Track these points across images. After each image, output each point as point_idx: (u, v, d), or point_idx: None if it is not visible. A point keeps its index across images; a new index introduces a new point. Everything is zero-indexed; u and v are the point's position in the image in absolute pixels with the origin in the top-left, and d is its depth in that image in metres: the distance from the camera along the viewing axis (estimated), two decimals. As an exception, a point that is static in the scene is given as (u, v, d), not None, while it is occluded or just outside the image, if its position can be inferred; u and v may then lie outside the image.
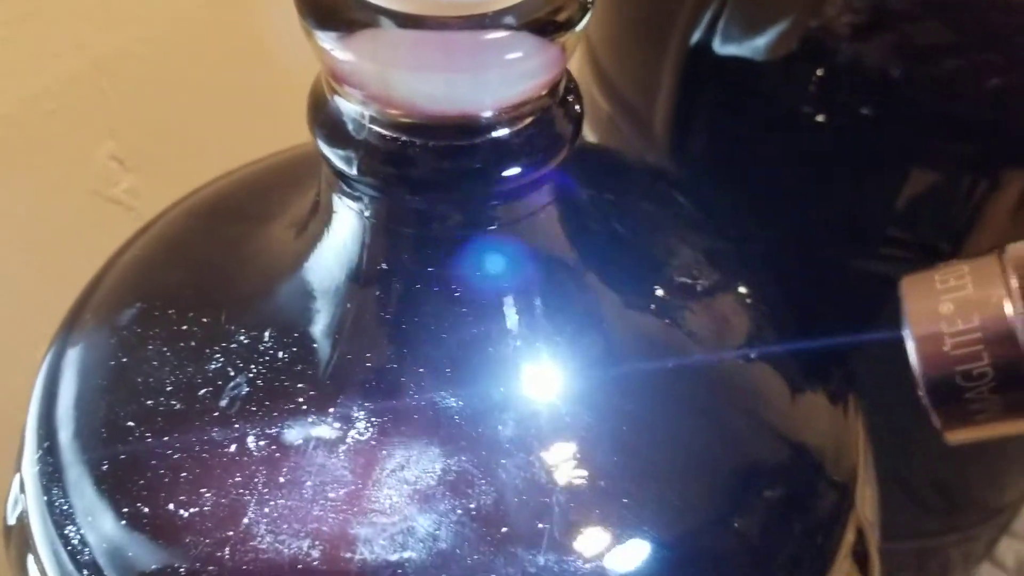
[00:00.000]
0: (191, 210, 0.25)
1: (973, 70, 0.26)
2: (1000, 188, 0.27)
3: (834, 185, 0.29)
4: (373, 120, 0.18)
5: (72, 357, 0.22)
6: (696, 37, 0.29)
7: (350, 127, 0.18)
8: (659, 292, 0.23)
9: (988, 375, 0.18)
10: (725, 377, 0.23)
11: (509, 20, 0.16)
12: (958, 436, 0.20)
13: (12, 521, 0.22)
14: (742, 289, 0.25)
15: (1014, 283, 0.18)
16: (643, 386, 0.21)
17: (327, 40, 0.17)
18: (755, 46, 0.29)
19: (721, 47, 0.29)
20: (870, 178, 0.28)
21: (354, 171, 0.18)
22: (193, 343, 0.21)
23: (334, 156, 0.18)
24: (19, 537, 0.21)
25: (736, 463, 0.21)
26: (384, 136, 0.18)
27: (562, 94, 0.19)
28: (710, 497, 0.20)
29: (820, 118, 0.28)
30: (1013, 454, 0.36)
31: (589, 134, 0.37)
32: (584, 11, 0.17)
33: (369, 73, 0.17)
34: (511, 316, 0.20)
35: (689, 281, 0.24)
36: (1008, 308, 0.18)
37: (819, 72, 0.28)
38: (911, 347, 0.19)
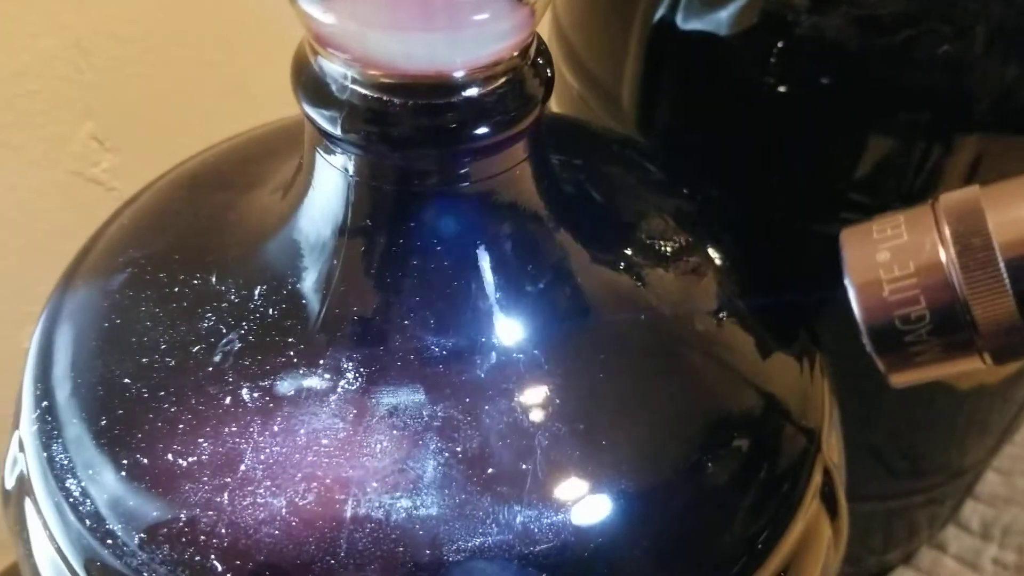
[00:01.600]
0: (176, 181, 0.25)
1: (923, 39, 0.27)
2: (953, 153, 0.29)
3: (795, 153, 0.30)
4: (355, 81, 0.19)
5: (66, 320, 0.23)
6: (660, 12, 0.30)
7: (333, 88, 0.19)
8: (630, 249, 0.24)
9: (925, 318, 0.19)
10: (695, 330, 0.24)
11: None
12: (902, 379, 0.21)
13: (11, 481, 0.22)
14: (710, 250, 0.26)
15: (946, 230, 0.19)
16: (616, 335, 0.22)
17: (309, 4, 0.18)
18: (717, 20, 0.30)
19: (684, 22, 0.30)
20: (830, 145, 0.30)
21: (338, 130, 0.19)
22: (185, 304, 0.22)
23: (318, 116, 0.19)
24: (19, 495, 0.22)
25: (706, 409, 0.22)
26: (365, 96, 0.19)
27: (533, 56, 0.20)
28: (682, 441, 0.21)
29: (781, 88, 0.29)
30: (971, 415, 0.37)
31: (559, 111, 0.38)
32: (553, -27, 0.18)
33: (350, 34, 0.18)
34: (489, 269, 0.21)
35: (659, 241, 0.25)
36: (941, 254, 0.19)
37: (779, 44, 0.29)
38: (852, 295, 0.20)
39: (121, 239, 0.24)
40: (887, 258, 0.19)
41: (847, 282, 0.20)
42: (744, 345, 0.24)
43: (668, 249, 0.25)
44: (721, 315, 0.24)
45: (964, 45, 0.27)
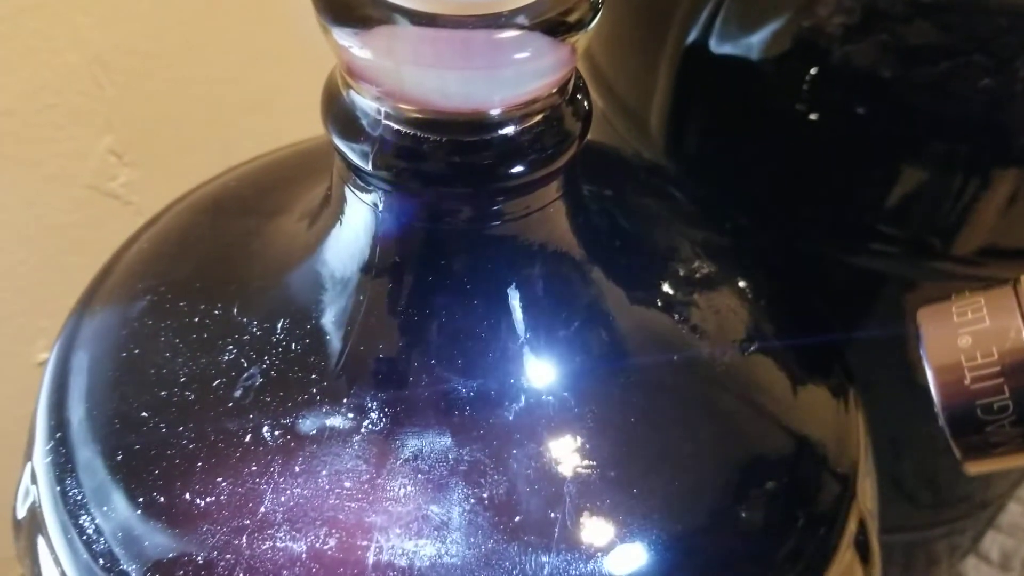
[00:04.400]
0: (197, 205, 0.25)
1: (963, 71, 0.27)
2: (990, 187, 0.28)
3: (826, 182, 0.30)
4: (387, 116, 0.18)
5: (82, 349, 0.22)
6: (692, 36, 0.30)
7: (364, 122, 0.18)
8: (662, 286, 0.23)
9: (1009, 408, 0.18)
10: (728, 370, 0.23)
11: (522, 20, 0.17)
12: (978, 467, 0.20)
13: (23, 511, 0.22)
14: (741, 283, 0.25)
15: None
16: (649, 378, 0.21)
17: (343, 36, 0.17)
18: (750, 45, 0.29)
19: (716, 47, 0.30)
20: (862, 175, 0.29)
21: (368, 165, 0.18)
22: (205, 335, 0.21)
23: (349, 150, 0.19)
24: (30, 527, 0.21)
25: (741, 454, 0.22)
26: (398, 131, 0.18)
27: (571, 92, 0.19)
28: (716, 488, 0.21)
29: (813, 116, 0.28)
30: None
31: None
32: (595, 11, 0.18)
33: (384, 69, 0.17)
34: (520, 309, 0.20)
35: (691, 275, 0.24)
36: None
37: (812, 71, 0.28)
38: (931, 379, 0.19)
39: (141, 264, 0.23)
40: (968, 343, 0.19)
41: (925, 363, 0.19)
42: (778, 384, 0.24)
43: (700, 284, 0.24)
44: (754, 352, 0.24)
45: (1005, 78, 0.27)
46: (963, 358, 0.19)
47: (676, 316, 0.23)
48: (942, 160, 0.28)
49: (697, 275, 0.24)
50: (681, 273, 0.24)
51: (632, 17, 0.33)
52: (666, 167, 0.32)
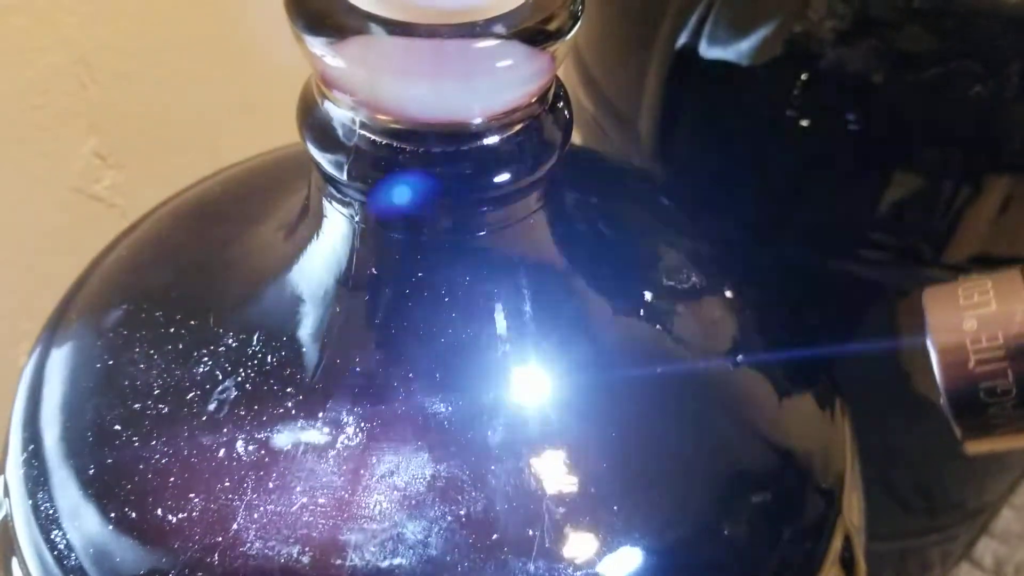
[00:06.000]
0: (176, 211, 0.24)
1: (955, 77, 0.26)
2: (982, 194, 0.28)
3: (817, 188, 0.29)
4: (363, 125, 0.18)
5: (57, 359, 0.22)
6: (682, 40, 0.29)
7: (340, 132, 0.18)
8: (647, 296, 0.23)
9: (1012, 392, 0.18)
10: (713, 382, 0.23)
11: (499, 29, 0.16)
12: (977, 447, 0.20)
13: (-4, 524, 0.21)
14: (728, 293, 0.25)
15: None
16: (631, 391, 0.21)
17: (317, 45, 0.17)
18: (740, 50, 0.29)
19: (706, 51, 0.29)
20: (853, 182, 0.29)
21: (344, 176, 0.18)
22: (180, 346, 0.21)
23: (324, 160, 0.18)
24: (2, 541, 0.21)
25: (724, 469, 0.21)
26: (374, 141, 0.18)
27: (551, 101, 0.19)
28: (699, 504, 0.20)
29: (804, 122, 0.28)
30: (993, 455, 0.36)
31: (574, 135, 0.37)
32: (574, 20, 0.18)
33: (359, 79, 0.17)
34: (500, 321, 0.20)
35: (676, 284, 0.24)
36: None
37: (803, 77, 0.28)
38: (935, 360, 0.19)
39: (118, 272, 0.23)
40: (974, 327, 0.19)
41: (929, 344, 0.19)
42: (764, 396, 0.23)
43: (686, 293, 0.24)
44: (740, 363, 0.23)
45: (996, 85, 0.26)
46: (968, 341, 0.19)
47: (660, 327, 0.22)
48: (933, 167, 0.28)
49: (684, 285, 0.24)
50: (667, 283, 0.23)
51: (621, 20, 0.32)
52: (656, 172, 0.31)
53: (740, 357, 0.23)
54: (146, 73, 0.37)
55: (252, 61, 0.38)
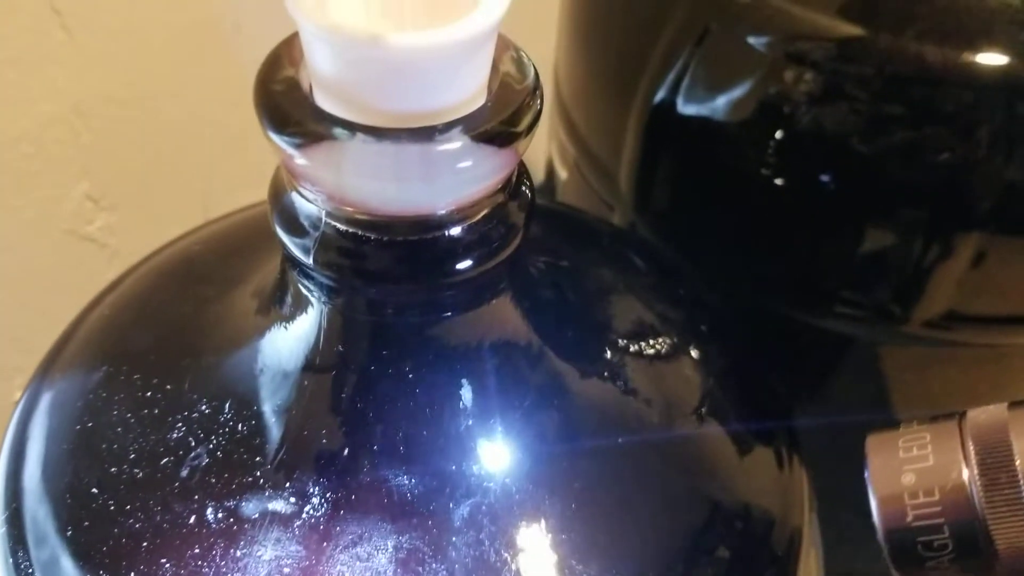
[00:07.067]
0: (159, 268, 0.25)
1: (926, 139, 0.27)
2: (952, 252, 0.28)
3: (790, 246, 0.30)
4: (329, 215, 0.18)
5: (40, 418, 0.23)
6: (660, 95, 0.30)
7: (305, 222, 0.19)
8: (611, 362, 0.23)
9: (948, 547, 0.19)
10: (674, 445, 0.23)
11: (457, 132, 0.17)
12: None
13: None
14: (694, 353, 0.25)
15: (973, 456, 0.19)
16: (593, 461, 0.22)
17: (286, 146, 0.17)
18: (716, 106, 0.29)
19: (684, 106, 0.30)
20: (825, 240, 0.29)
21: (310, 260, 0.19)
22: (156, 411, 0.21)
23: (292, 244, 0.19)
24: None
25: (683, 533, 0.22)
26: (339, 230, 0.18)
27: (514, 185, 0.20)
28: (657, 571, 0.21)
29: (778, 181, 0.29)
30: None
31: (560, 170, 0.38)
32: (535, 118, 0.18)
33: (325, 177, 0.18)
34: (464, 397, 0.20)
35: (642, 349, 0.24)
36: (966, 480, 0.19)
37: (777, 136, 0.28)
38: (874, 508, 0.19)
39: (100, 331, 0.24)
40: (912, 481, 0.19)
41: (870, 491, 0.20)
42: (723, 457, 0.24)
43: (651, 357, 0.24)
44: (701, 426, 0.24)
45: (968, 147, 0.27)
46: (906, 495, 0.19)
47: (623, 393, 0.23)
48: (905, 226, 0.28)
49: (649, 350, 0.24)
50: (632, 348, 0.24)
51: (603, 71, 0.33)
52: (632, 231, 0.32)
53: (702, 421, 0.24)
54: (138, 118, 0.38)
55: (241, 104, 0.39)
